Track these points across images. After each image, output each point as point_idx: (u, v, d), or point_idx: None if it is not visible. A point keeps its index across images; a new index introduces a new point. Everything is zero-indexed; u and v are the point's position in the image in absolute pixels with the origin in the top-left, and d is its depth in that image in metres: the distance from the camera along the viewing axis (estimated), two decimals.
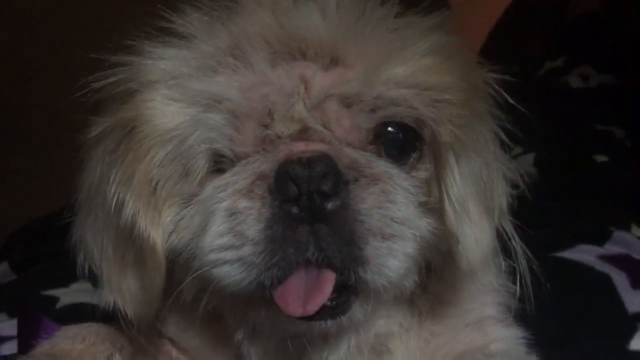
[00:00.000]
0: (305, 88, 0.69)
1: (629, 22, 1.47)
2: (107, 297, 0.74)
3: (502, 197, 0.78)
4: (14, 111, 2.66)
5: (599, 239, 1.00)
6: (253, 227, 0.66)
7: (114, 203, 0.71)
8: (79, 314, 0.96)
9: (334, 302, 0.67)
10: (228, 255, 0.66)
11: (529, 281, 0.79)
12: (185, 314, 0.80)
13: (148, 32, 0.73)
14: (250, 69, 0.69)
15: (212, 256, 0.67)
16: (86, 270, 0.78)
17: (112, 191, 0.71)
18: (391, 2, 0.74)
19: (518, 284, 0.80)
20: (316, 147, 0.68)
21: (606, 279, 0.94)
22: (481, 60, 0.80)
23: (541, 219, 1.06)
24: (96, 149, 0.75)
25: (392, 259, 0.67)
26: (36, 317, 0.88)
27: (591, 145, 1.17)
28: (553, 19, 1.66)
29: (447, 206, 0.72)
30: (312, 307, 0.65)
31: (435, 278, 0.77)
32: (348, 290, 0.68)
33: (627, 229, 1.04)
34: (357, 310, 0.70)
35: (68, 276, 1.11)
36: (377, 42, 0.71)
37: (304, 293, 0.66)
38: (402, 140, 0.72)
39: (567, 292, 0.92)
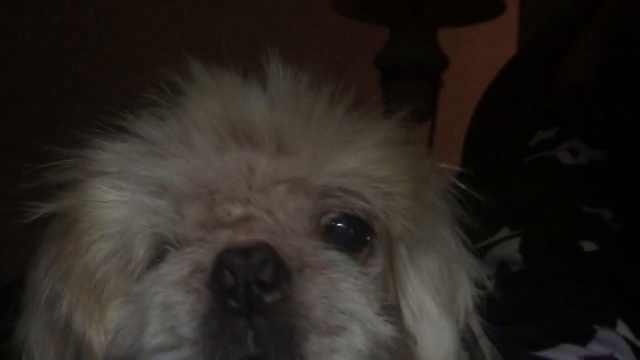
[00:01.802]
0: (250, 173, 0.68)
1: (619, 92, 1.45)
2: None
3: (467, 297, 0.76)
4: None
5: (582, 338, 0.97)
6: (187, 325, 0.63)
7: (51, 297, 0.70)
8: None
9: None
10: (166, 357, 0.63)
11: None
12: None
13: (102, 129, 0.73)
14: (196, 154, 0.68)
15: (152, 359, 0.64)
16: None
17: (50, 285, 0.70)
18: (342, 94, 0.74)
19: None
20: (257, 236, 0.66)
21: None
22: (433, 155, 0.79)
23: (523, 313, 1.03)
24: (43, 242, 0.74)
25: (335, 355, 0.63)
26: None
27: (578, 230, 1.14)
28: (544, 85, 1.65)
29: (403, 303, 0.69)
30: None
31: None
32: None
33: (613, 324, 1.00)
34: None
35: None
36: (326, 132, 0.70)
37: None
38: (352, 236, 0.70)
39: None
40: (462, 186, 0.79)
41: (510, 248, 1.16)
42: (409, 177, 0.71)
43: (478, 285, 0.80)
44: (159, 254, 0.69)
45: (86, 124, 0.72)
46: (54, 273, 0.70)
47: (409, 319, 0.69)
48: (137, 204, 0.68)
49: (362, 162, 0.70)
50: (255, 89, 0.71)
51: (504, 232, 1.22)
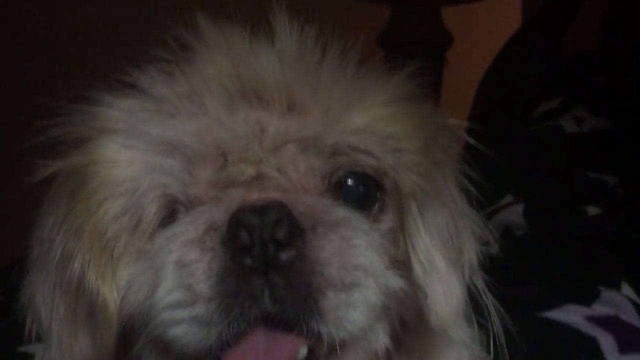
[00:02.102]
0: (261, 133, 0.67)
1: (623, 60, 1.45)
2: (55, 359, 0.71)
3: (471, 253, 0.76)
4: None
5: (587, 299, 0.98)
6: (204, 282, 0.63)
7: (63, 256, 0.69)
8: None
9: None
10: (181, 313, 0.63)
11: (503, 341, 0.77)
12: None
13: (109, 85, 0.72)
14: (207, 113, 0.68)
15: (165, 315, 0.64)
16: (34, 333, 0.75)
17: (62, 244, 0.69)
18: (351, 51, 0.73)
19: (492, 345, 0.78)
20: (270, 194, 0.66)
21: (593, 343, 0.91)
22: (441, 113, 0.79)
23: (528, 275, 1.04)
24: (49, 201, 0.73)
25: (352, 310, 0.64)
26: None
27: (582, 195, 1.15)
28: (548, 56, 1.64)
29: (413, 258, 0.70)
30: None
31: (410, 334, 0.74)
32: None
33: (617, 286, 1.01)
34: None
35: None
36: (336, 90, 0.70)
37: (263, 352, 0.63)
38: (363, 193, 0.71)
39: (552, 355, 0.90)
40: (472, 141, 0.78)
41: (514, 213, 1.17)
42: (418, 134, 0.71)
43: (481, 242, 0.80)
44: (169, 214, 0.69)
45: (92, 80, 0.71)
46: (65, 232, 0.70)
47: (419, 273, 0.69)
48: (147, 164, 0.68)
49: (372, 119, 0.70)
50: (265, 46, 0.70)
51: (508, 198, 1.23)
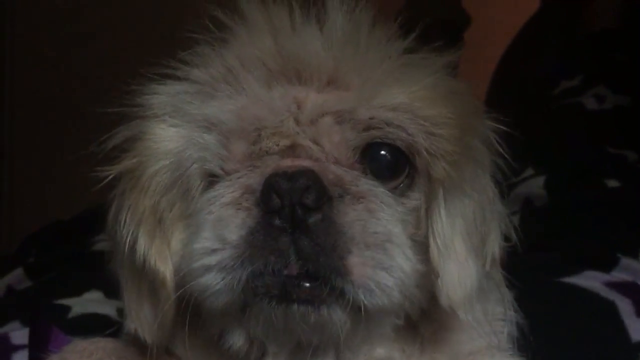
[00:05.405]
0: (298, 108, 0.71)
1: None
2: (129, 326, 0.78)
3: (494, 244, 0.78)
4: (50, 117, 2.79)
5: (606, 265, 1.00)
6: (235, 233, 0.68)
7: (126, 242, 0.75)
8: (90, 324, 0.99)
9: (311, 294, 0.67)
10: (210, 259, 0.68)
11: (514, 330, 0.80)
12: (193, 334, 0.81)
13: (154, 75, 0.76)
14: (244, 92, 0.72)
15: (197, 263, 0.69)
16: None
17: (123, 231, 0.75)
18: (395, 34, 0.75)
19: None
20: (302, 162, 0.70)
21: (611, 306, 0.94)
22: (481, 105, 0.80)
23: (549, 242, 1.06)
24: (116, 195, 0.78)
25: (380, 270, 0.67)
26: (46, 328, 0.90)
27: (603, 169, 1.17)
28: (568, 36, 1.66)
29: (431, 240, 0.72)
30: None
31: (424, 320, 0.77)
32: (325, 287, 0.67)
33: (635, 255, 1.04)
34: (338, 314, 0.68)
35: (81, 285, 1.15)
36: (377, 70, 0.72)
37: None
38: (391, 162, 0.73)
39: (571, 318, 0.93)
40: (498, 145, 0.78)
41: (535, 185, 1.19)
42: (455, 122, 0.72)
43: (505, 237, 0.81)
44: (210, 183, 0.73)
45: (137, 76, 0.76)
46: (128, 221, 0.75)
47: (434, 254, 0.71)
48: (188, 139, 0.73)
49: (410, 98, 0.71)
50: (311, 25, 0.73)
51: (528, 171, 1.25)
